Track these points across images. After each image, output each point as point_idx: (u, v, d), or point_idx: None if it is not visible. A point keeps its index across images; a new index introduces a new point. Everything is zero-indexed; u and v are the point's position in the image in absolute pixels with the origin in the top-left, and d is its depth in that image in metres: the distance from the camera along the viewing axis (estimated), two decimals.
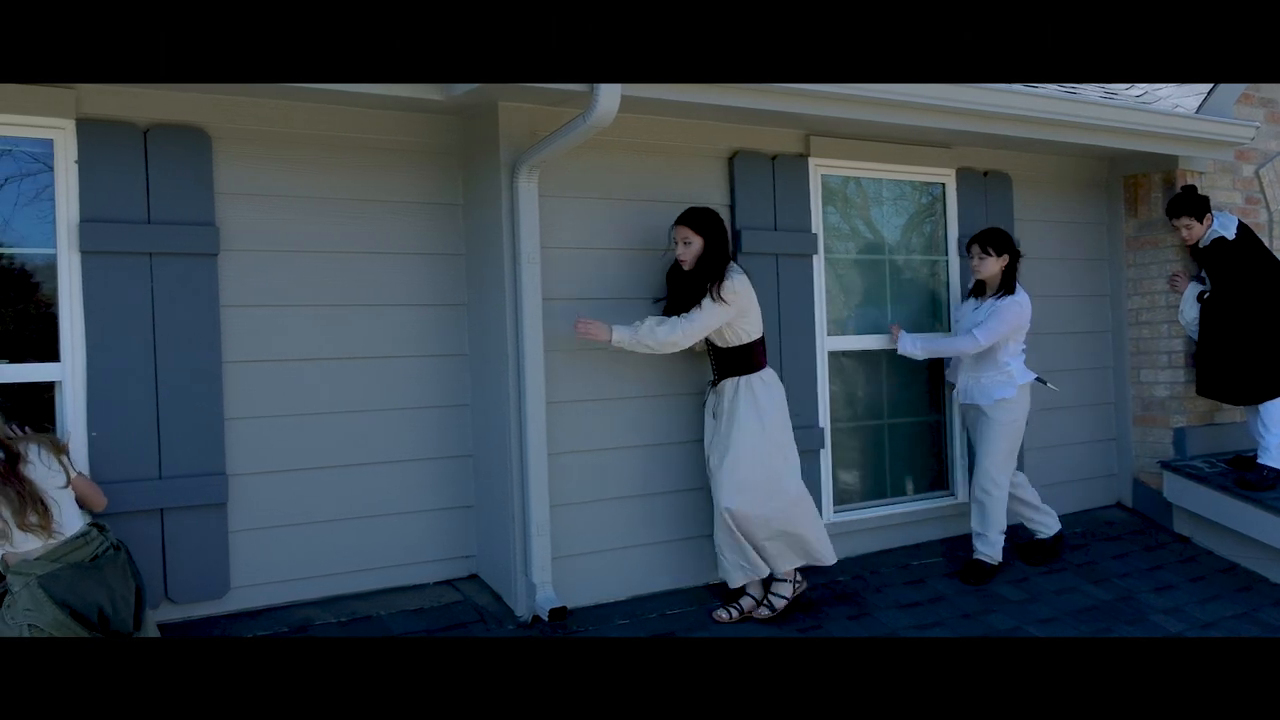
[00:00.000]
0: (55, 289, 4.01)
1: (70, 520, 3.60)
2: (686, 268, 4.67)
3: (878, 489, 5.90)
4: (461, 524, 4.80)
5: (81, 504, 3.72)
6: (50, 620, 3.42)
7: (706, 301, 4.55)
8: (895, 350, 5.59)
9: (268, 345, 4.36)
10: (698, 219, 4.65)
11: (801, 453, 5.29)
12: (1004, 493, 5.49)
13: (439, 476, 4.73)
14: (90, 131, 4.02)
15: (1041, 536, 5.81)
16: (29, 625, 3.41)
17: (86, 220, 4.00)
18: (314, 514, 4.45)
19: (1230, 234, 6.07)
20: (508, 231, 4.49)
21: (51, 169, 4.01)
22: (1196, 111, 6.16)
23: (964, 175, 6.09)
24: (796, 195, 5.43)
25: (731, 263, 4.70)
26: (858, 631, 4.80)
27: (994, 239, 5.54)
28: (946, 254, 6.08)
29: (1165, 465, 6.39)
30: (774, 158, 5.35)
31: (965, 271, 6.01)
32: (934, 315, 6.09)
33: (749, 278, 4.73)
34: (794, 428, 5.13)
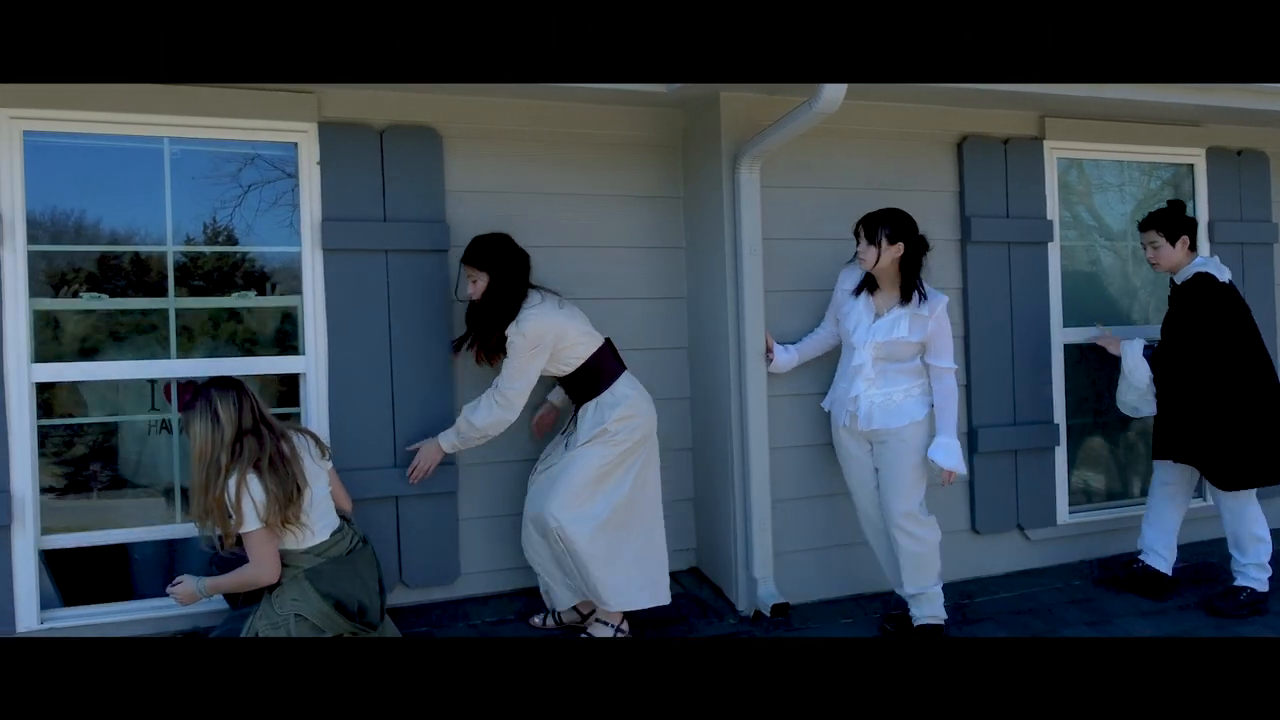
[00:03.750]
0: (299, 286, 4.22)
1: (328, 524, 3.73)
2: (478, 303, 4.09)
3: (1118, 489, 5.59)
4: (682, 517, 4.80)
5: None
6: (315, 611, 3.58)
7: (511, 350, 4.01)
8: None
9: None
10: (477, 253, 4.05)
11: (1035, 451, 5.07)
12: (931, 528, 4.35)
13: (661, 469, 4.73)
14: (331, 134, 4.20)
15: None
16: (295, 615, 3.57)
17: (328, 219, 4.18)
18: None
19: (1222, 277, 4.82)
20: (729, 223, 4.45)
21: (294, 172, 4.21)
22: None
23: (1215, 155, 5.68)
24: (1030, 180, 5.18)
25: (530, 294, 4.08)
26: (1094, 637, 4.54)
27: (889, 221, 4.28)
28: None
29: None
30: (1006, 141, 5.12)
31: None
32: None
33: (560, 299, 4.15)
34: (1027, 423, 4.93)
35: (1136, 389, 4.91)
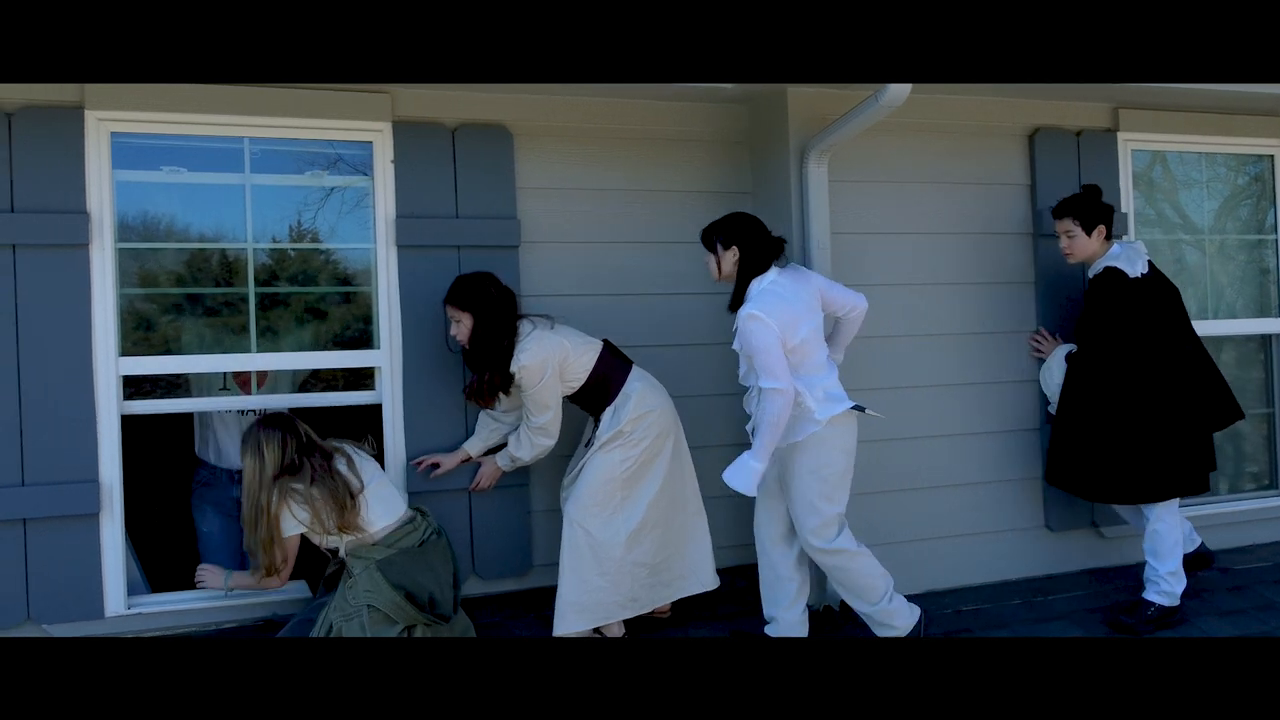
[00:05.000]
0: (373, 282, 4.31)
1: (389, 511, 3.82)
2: (467, 348, 4.09)
3: None
4: (747, 512, 4.78)
5: None
6: (387, 602, 3.63)
7: (523, 385, 4.01)
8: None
9: None
10: (459, 294, 4.01)
11: None
12: (844, 556, 3.94)
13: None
14: (405, 132, 4.28)
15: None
16: (367, 606, 3.63)
17: (402, 216, 4.27)
18: None
19: (1134, 271, 4.51)
20: (797, 218, 4.46)
21: (367, 171, 4.31)
22: None
23: None
24: (1104, 173, 5.11)
25: (520, 325, 4.04)
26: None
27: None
28: (1276, 233, 5.58)
29: None
30: (1079, 134, 5.07)
31: None
32: (1261, 301, 5.60)
33: (551, 321, 4.11)
34: None
35: (1046, 391, 4.87)
